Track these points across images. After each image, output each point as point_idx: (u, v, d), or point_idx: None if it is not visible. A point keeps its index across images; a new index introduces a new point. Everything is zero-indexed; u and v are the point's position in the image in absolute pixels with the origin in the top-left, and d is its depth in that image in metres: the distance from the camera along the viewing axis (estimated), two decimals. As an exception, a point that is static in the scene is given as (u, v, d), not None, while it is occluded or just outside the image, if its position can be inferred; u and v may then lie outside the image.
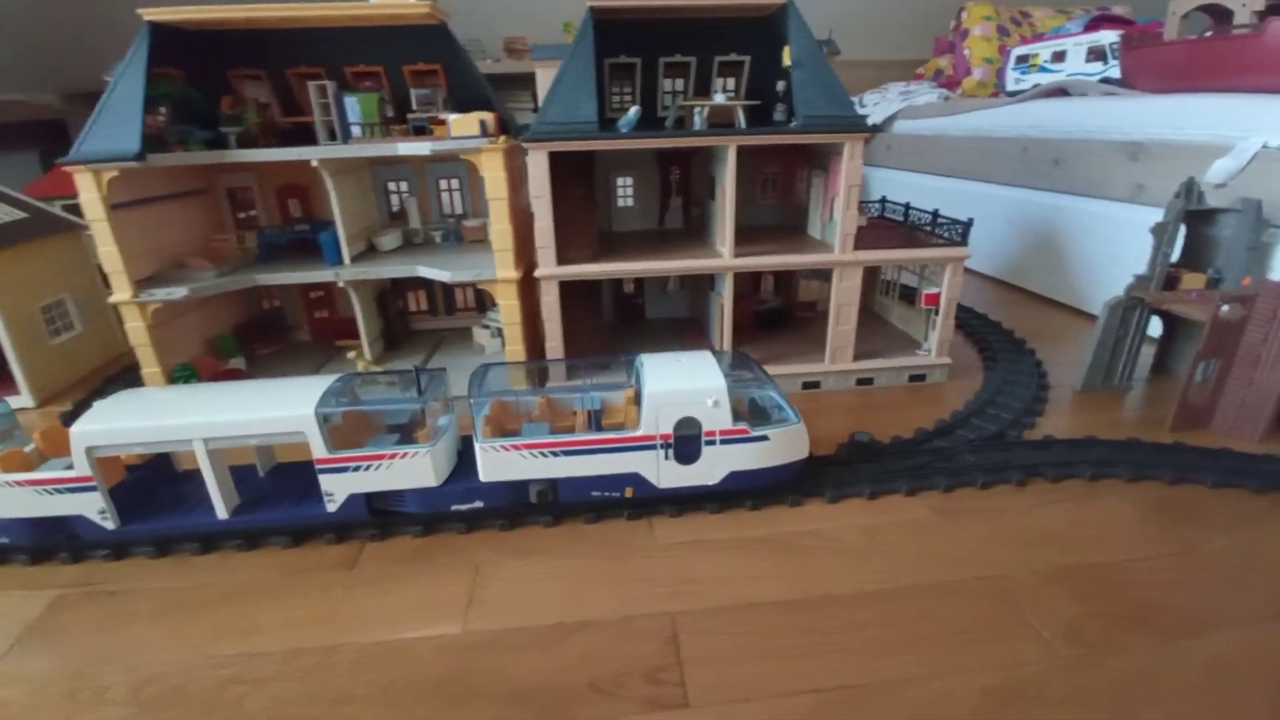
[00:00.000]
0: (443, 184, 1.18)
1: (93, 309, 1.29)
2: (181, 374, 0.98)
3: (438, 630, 0.59)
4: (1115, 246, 1.30)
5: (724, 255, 0.98)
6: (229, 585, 0.67)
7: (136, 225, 0.93)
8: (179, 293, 0.92)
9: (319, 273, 0.99)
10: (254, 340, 1.18)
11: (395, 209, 1.19)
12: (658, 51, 1.07)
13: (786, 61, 0.96)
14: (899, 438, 0.88)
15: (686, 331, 1.21)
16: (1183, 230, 1.00)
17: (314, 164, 0.93)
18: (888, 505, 0.75)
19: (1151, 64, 1.39)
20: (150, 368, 0.95)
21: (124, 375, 1.20)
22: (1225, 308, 0.85)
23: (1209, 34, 1.30)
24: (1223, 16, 1.29)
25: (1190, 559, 0.66)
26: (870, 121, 2.41)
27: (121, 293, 0.91)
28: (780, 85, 1.04)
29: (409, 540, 0.72)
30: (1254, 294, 0.84)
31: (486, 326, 1.16)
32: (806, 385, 1.06)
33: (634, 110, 0.91)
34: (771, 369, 1.04)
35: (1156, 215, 0.98)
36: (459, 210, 1.20)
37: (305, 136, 1.02)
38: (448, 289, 1.25)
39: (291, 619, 0.62)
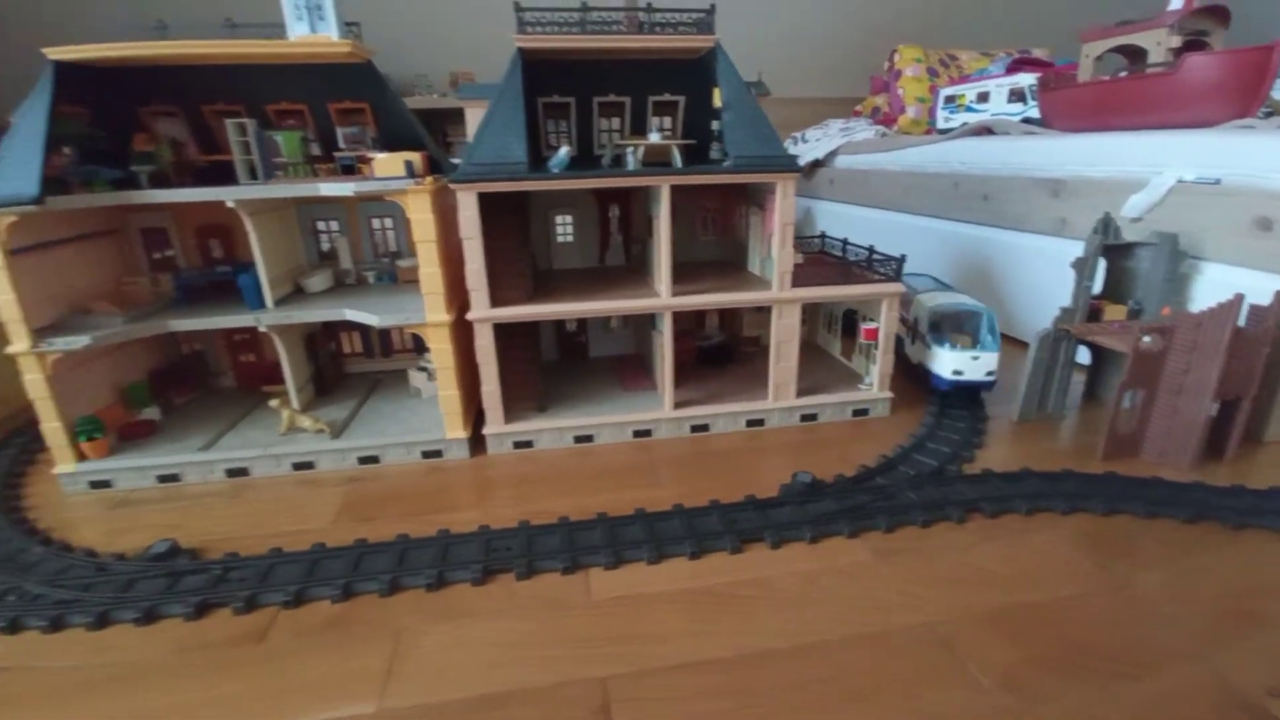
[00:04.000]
0: (375, 223, 1.15)
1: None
2: (85, 428, 0.91)
3: (350, 711, 0.54)
4: (1042, 277, 1.34)
5: (661, 294, 0.97)
6: (120, 665, 0.60)
7: (37, 271, 0.87)
8: (81, 342, 0.85)
9: (239, 317, 0.94)
10: (170, 387, 1.11)
11: (325, 249, 1.14)
12: (592, 90, 1.07)
13: (717, 103, 0.97)
14: (842, 476, 0.87)
15: (630, 369, 1.20)
16: (1103, 264, 1.04)
17: (230, 204, 0.89)
18: (829, 549, 0.73)
19: (1067, 104, 1.46)
20: (50, 422, 0.88)
21: (31, 428, 1.11)
22: (1146, 338, 0.87)
23: (1123, 74, 1.38)
24: (1137, 56, 1.36)
25: (1123, 595, 0.66)
26: (812, 156, 2.47)
27: (19, 343, 0.84)
28: (715, 124, 1.05)
29: (326, 606, 0.67)
30: (1173, 325, 0.87)
31: (423, 369, 1.12)
32: (750, 423, 1.05)
33: (564, 150, 0.91)
34: (715, 407, 1.04)
35: (1079, 248, 1.02)
36: (393, 249, 1.16)
37: (225, 175, 0.97)
38: (384, 331, 1.21)
39: (187, 702, 0.56)
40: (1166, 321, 0.89)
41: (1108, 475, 0.85)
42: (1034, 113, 1.72)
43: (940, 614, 0.64)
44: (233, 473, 0.94)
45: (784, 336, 1.01)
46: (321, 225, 1.13)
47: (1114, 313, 1.02)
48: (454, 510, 0.84)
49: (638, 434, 1.02)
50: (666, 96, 1.08)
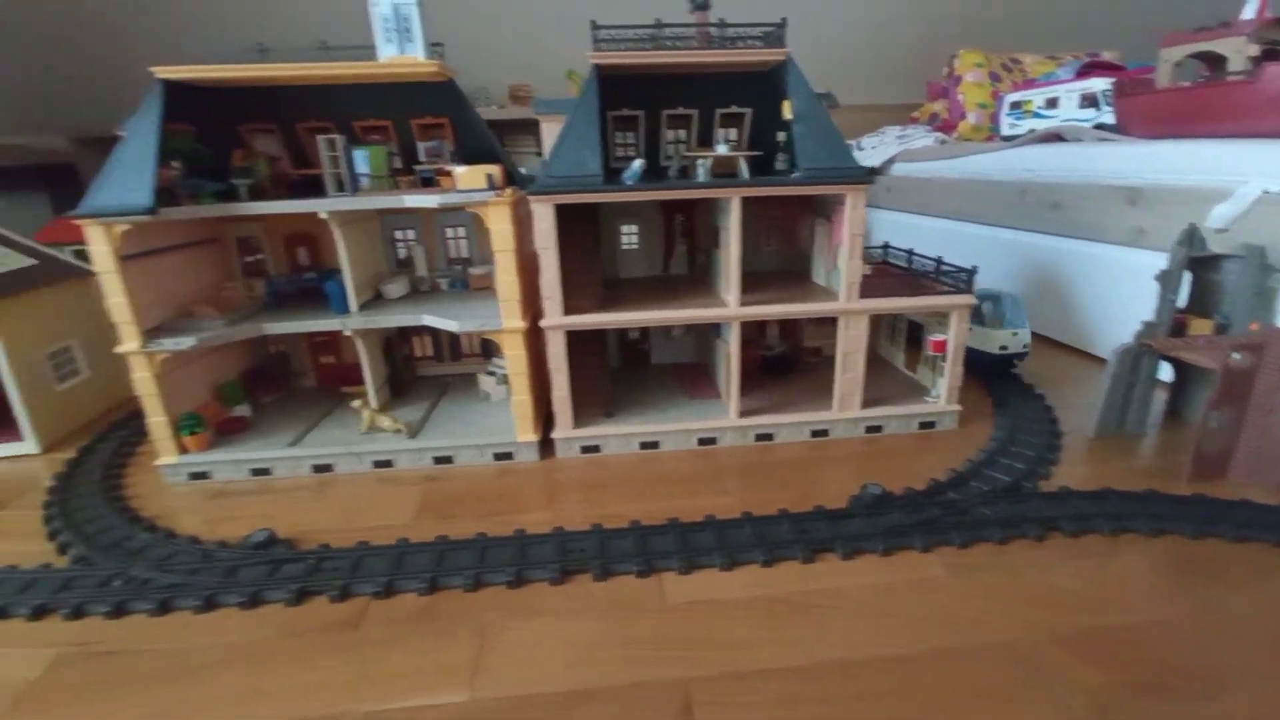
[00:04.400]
0: (449, 232, 1.19)
1: (100, 354, 1.29)
2: (187, 423, 0.97)
3: (443, 699, 0.57)
4: (1117, 289, 1.30)
5: (730, 304, 0.98)
6: (226, 647, 0.65)
7: (146, 276, 0.94)
8: (187, 343, 0.91)
9: (326, 321, 0.99)
10: (259, 387, 1.17)
11: (402, 257, 1.20)
12: (661, 104, 1.09)
13: (787, 115, 0.97)
14: (911, 489, 0.86)
15: (693, 377, 1.21)
16: (1188, 276, 1.00)
17: (322, 216, 0.94)
18: (902, 562, 0.73)
19: (1146, 111, 1.42)
20: (156, 416, 0.95)
21: (132, 421, 1.20)
22: (1236, 355, 0.84)
23: (1202, 80, 1.33)
24: (1216, 63, 1.32)
25: (1213, 619, 0.64)
26: (868, 164, 2.45)
27: (129, 343, 0.91)
28: (781, 136, 1.06)
29: (413, 598, 0.71)
30: (1264, 341, 0.84)
31: (492, 373, 1.15)
32: (815, 433, 1.05)
33: (638, 163, 0.93)
34: (780, 417, 1.04)
35: (1157, 258, 0.98)
36: (465, 256, 1.21)
37: (315, 188, 1.03)
38: (454, 335, 1.26)
39: (292, 685, 0.60)
40: (1257, 337, 0.85)
41: (1195, 497, 0.82)
42: (1107, 118, 1.67)
43: (1021, 633, 0.63)
44: (318, 468, 0.99)
45: (850, 347, 1.01)
46: (399, 234, 1.18)
47: (1199, 327, 0.99)
48: (527, 511, 0.87)
49: (702, 441, 1.04)
50: (734, 109, 1.10)
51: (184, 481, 0.99)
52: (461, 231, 1.19)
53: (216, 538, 0.82)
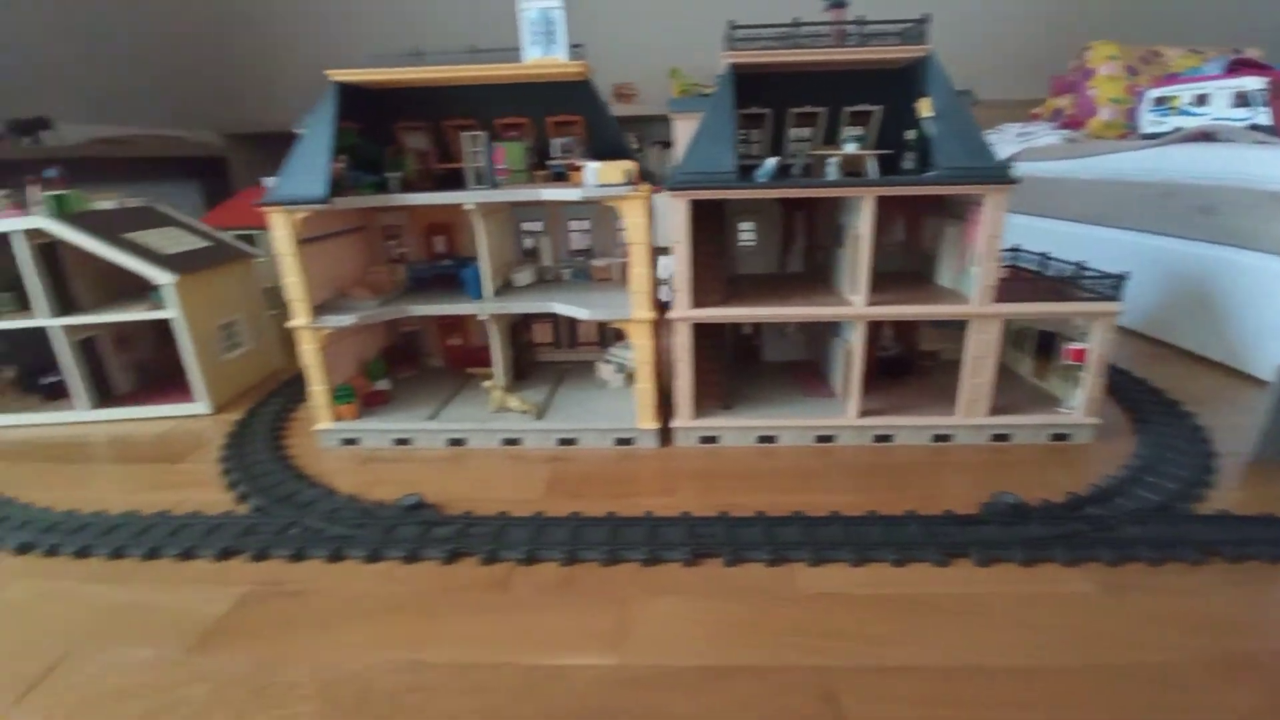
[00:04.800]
0: (573, 225, 1.25)
1: (257, 329, 1.43)
2: (341, 393, 1.07)
3: (594, 660, 0.61)
4: (1275, 302, 1.20)
5: (856, 303, 0.97)
6: (395, 596, 0.72)
7: (313, 259, 1.04)
8: (348, 320, 1.01)
9: (464, 305, 1.06)
10: (395, 364, 1.27)
11: (528, 247, 1.26)
12: (788, 101, 1.09)
13: (927, 112, 0.96)
14: (1048, 501, 0.84)
15: (805, 375, 1.21)
16: (1374, 291, 0.91)
17: (468, 208, 1.01)
18: (1045, 575, 0.71)
19: (1321, 109, 1.29)
20: (317, 386, 1.04)
21: (285, 389, 1.33)
22: None
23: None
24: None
25: None
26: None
27: (300, 319, 1.01)
28: (909, 134, 1.04)
29: (554, 567, 0.75)
30: None
31: (609, 362, 1.20)
32: (937, 438, 1.03)
33: (772, 161, 0.94)
34: (901, 419, 1.03)
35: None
36: (588, 248, 1.26)
37: (455, 181, 1.11)
38: (572, 323, 1.31)
39: (455, 634, 0.65)
40: None
41: (1378, 530, 0.76)
42: (1262, 119, 1.53)
43: (1172, 656, 0.60)
44: (453, 441, 1.07)
45: (980, 352, 0.98)
46: (526, 226, 1.24)
47: (1386, 347, 0.90)
48: (653, 495, 0.90)
49: (820, 439, 1.04)
50: (863, 106, 1.09)
51: (336, 446, 1.09)
52: (585, 225, 1.24)
53: (372, 498, 0.90)
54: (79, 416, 1.26)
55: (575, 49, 1.03)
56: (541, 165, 1.13)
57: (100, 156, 2.19)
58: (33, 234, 1.15)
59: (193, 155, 2.61)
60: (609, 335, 1.31)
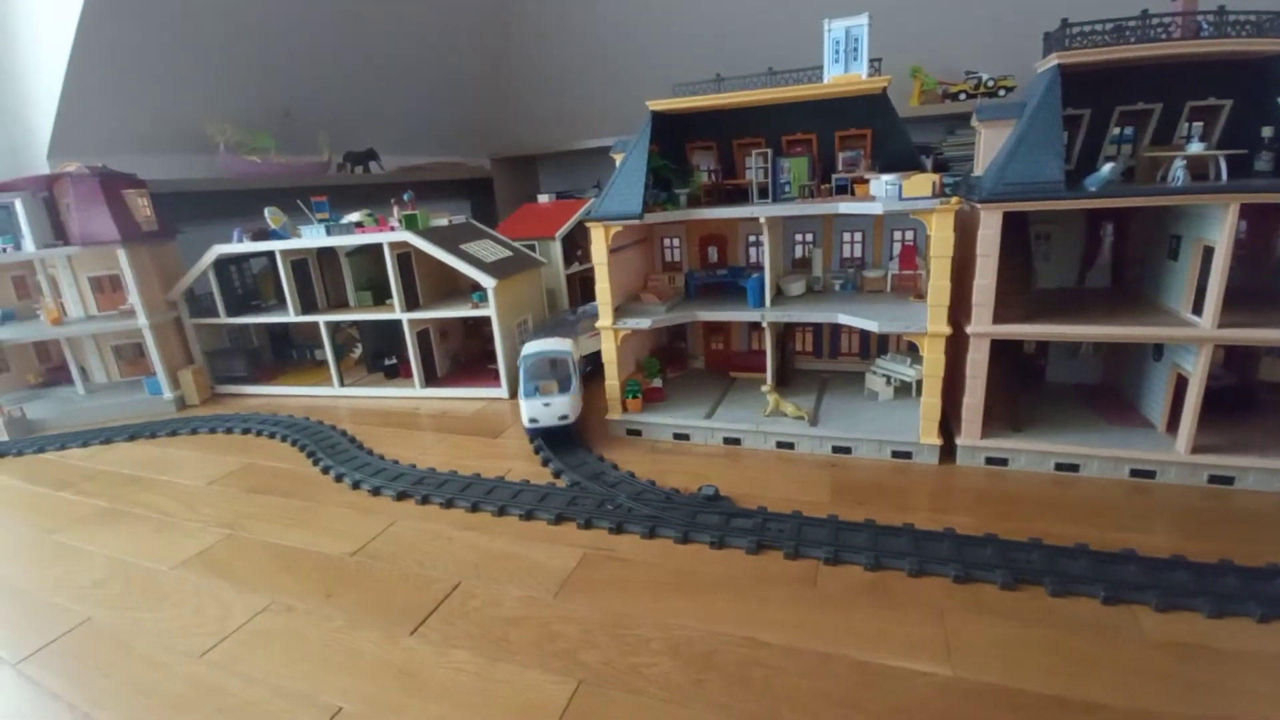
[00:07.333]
0: (846, 236, 1.26)
1: (537, 328, 1.64)
2: (631, 387, 1.20)
3: (926, 667, 0.63)
4: None
5: (1202, 324, 0.87)
6: (712, 576, 0.79)
7: (615, 267, 1.17)
8: (646, 323, 1.13)
9: (747, 313, 1.13)
10: (666, 365, 1.38)
11: (798, 256, 1.30)
12: (1112, 99, 1.00)
13: (1310, 106, 0.82)
14: None
15: (1103, 402, 1.10)
16: None
17: (761, 220, 1.07)
18: None
19: None
20: (612, 380, 1.18)
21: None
22: None
23: None
24: None
25: None
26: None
27: (605, 319, 1.15)
28: (1266, 131, 0.90)
29: (859, 571, 0.78)
30: None
31: (877, 373, 1.19)
32: (1297, 484, 0.88)
33: (1108, 167, 0.87)
34: (1248, 459, 0.90)
35: None
36: (858, 258, 1.26)
37: (737, 196, 1.18)
38: (835, 332, 1.32)
39: (778, 619, 0.71)
40: None
41: None
42: None
43: None
44: (728, 440, 1.14)
45: (1375, 388, 0.82)
46: (798, 237, 1.28)
47: None
48: (947, 512, 0.89)
49: (1135, 473, 0.94)
50: (1210, 101, 0.96)
51: (622, 435, 1.22)
52: (859, 236, 1.25)
53: (667, 485, 1.00)
54: (413, 393, 1.55)
55: (873, 63, 1.05)
56: (825, 179, 1.16)
57: (403, 182, 2.66)
58: (395, 245, 1.45)
59: (468, 178, 3.06)
60: (871, 346, 1.30)
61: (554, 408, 1.14)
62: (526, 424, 1.15)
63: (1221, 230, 0.83)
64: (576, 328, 1.45)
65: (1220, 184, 0.87)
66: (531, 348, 1.21)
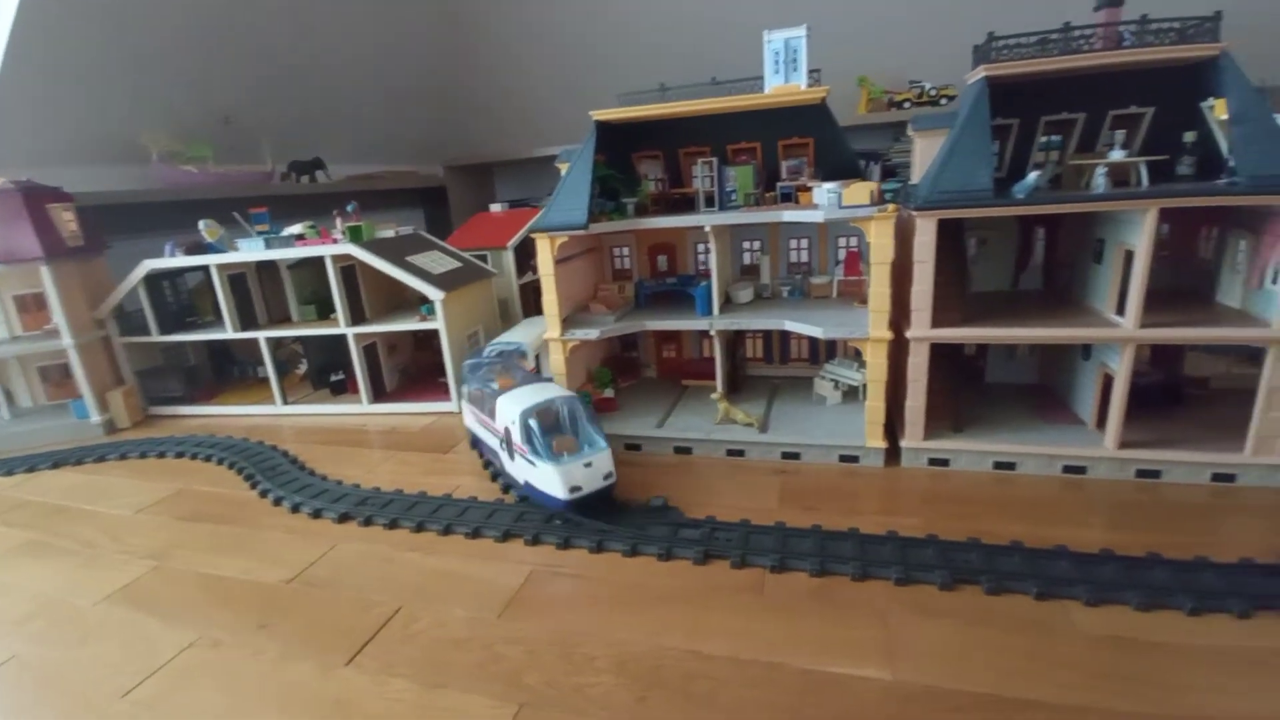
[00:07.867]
0: (793, 244, 1.27)
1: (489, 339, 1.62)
2: (583, 398, 1.19)
3: (868, 672, 0.63)
4: None
5: (1124, 324, 0.90)
6: (660, 588, 0.79)
7: (562, 278, 1.16)
8: (594, 334, 1.12)
9: (696, 321, 1.13)
10: (618, 374, 1.38)
11: (746, 264, 1.31)
12: (1038, 109, 1.04)
13: (1221, 115, 0.87)
14: (1390, 560, 0.72)
15: (1040, 399, 1.13)
16: None
17: (707, 229, 1.08)
18: (1401, 643, 0.62)
19: None
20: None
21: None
22: None
23: None
24: None
25: None
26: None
27: (553, 331, 1.14)
28: (1189, 136, 0.95)
29: (804, 577, 0.78)
30: None
31: (826, 378, 1.21)
32: (1217, 477, 0.92)
33: (1034, 176, 0.90)
34: (1172, 453, 0.93)
35: None
36: (805, 264, 1.28)
37: (685, 205, 1.18)
38: (784, 339, 1.34)
39: (729, 628, 0.70)
40: None
41: None
42: None
43: None
44: (679, 449, 1.14)
45: (1282, 383, 0.86)
46: (746, 244, 1.29)
47: None
48: (891, 514, 0.90)
49: (1068, 469, 0.97)
50: (1132, 109, 1.00)
51: (574, 447, 1.20)
52: (804, 243, 1.27)
53: (619, 497, 0.99)
54: (360, 409, 1.51)
55: (812, 74, 1.06)
56: (770, 187, 1.17)
57: (353, 190, 2.60)
58: (339, 258, 1.41)
59: (421, 186, 3.01)
60: (820, 352, 1.32)
61: (596, 467, 0.91)
62: (564, 497, 0.88)
63: (1141, 234, 0.86)
64: (495, 373, 1.13)
65: (1140, 189, 0.91)
66: (520, 401, 0.96)
